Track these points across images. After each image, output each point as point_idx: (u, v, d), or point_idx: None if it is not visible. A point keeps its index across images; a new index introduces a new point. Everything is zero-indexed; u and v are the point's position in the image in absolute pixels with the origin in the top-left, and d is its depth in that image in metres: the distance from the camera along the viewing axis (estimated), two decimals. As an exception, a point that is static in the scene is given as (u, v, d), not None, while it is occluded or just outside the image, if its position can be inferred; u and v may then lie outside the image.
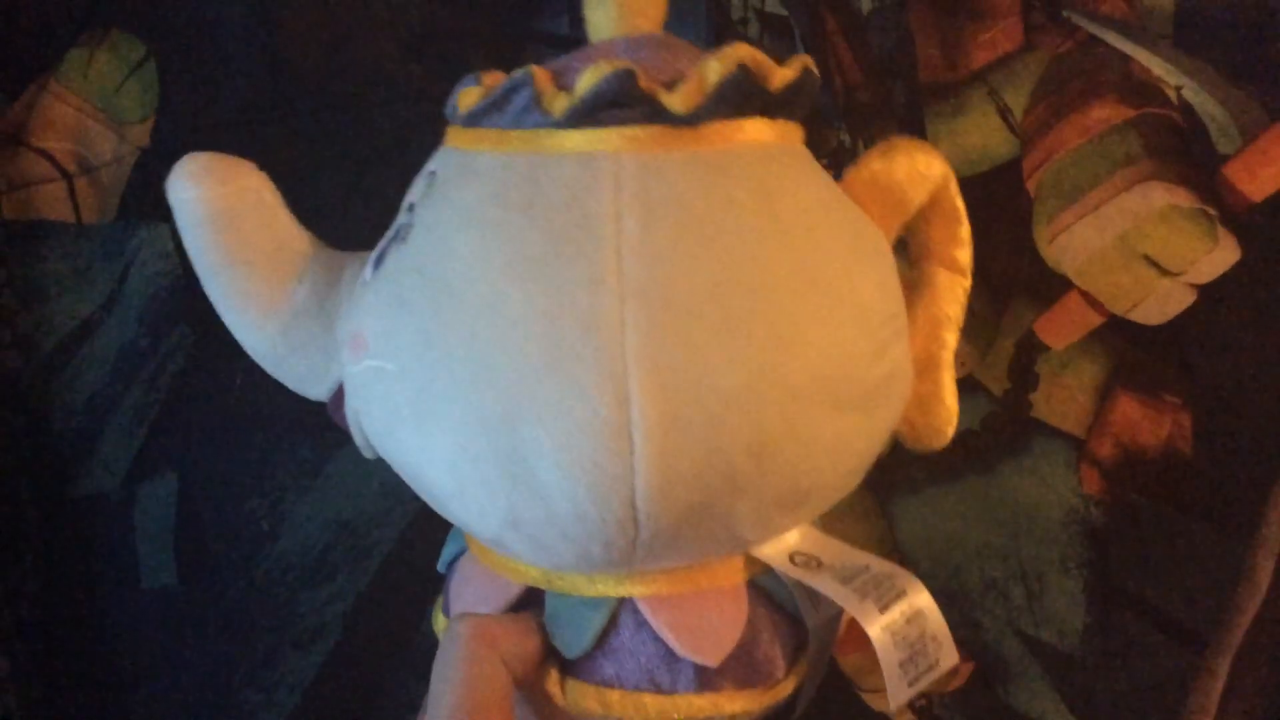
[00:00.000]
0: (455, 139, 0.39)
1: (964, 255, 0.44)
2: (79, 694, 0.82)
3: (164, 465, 0.80)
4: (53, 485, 0.81)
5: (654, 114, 0.35)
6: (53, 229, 0.82)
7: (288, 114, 0.79)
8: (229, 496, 0.79)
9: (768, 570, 0.40)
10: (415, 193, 0.40)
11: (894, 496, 0.74)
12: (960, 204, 0.44)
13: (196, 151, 0.41)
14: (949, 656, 0.39)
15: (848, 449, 0.36)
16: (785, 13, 0.82)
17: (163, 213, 0.73)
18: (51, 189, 0.82)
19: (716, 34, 0.79)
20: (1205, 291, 0.65)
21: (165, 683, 0.81)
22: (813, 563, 0.39)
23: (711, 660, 0.37)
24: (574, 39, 0.84)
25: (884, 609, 0.38)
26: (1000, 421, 0.73)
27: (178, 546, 0.80)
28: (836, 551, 0.40)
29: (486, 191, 0.35)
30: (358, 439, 0.41)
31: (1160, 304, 0.66)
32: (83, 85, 0.82)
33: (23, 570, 0.79)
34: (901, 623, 0.38)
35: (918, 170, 0.42)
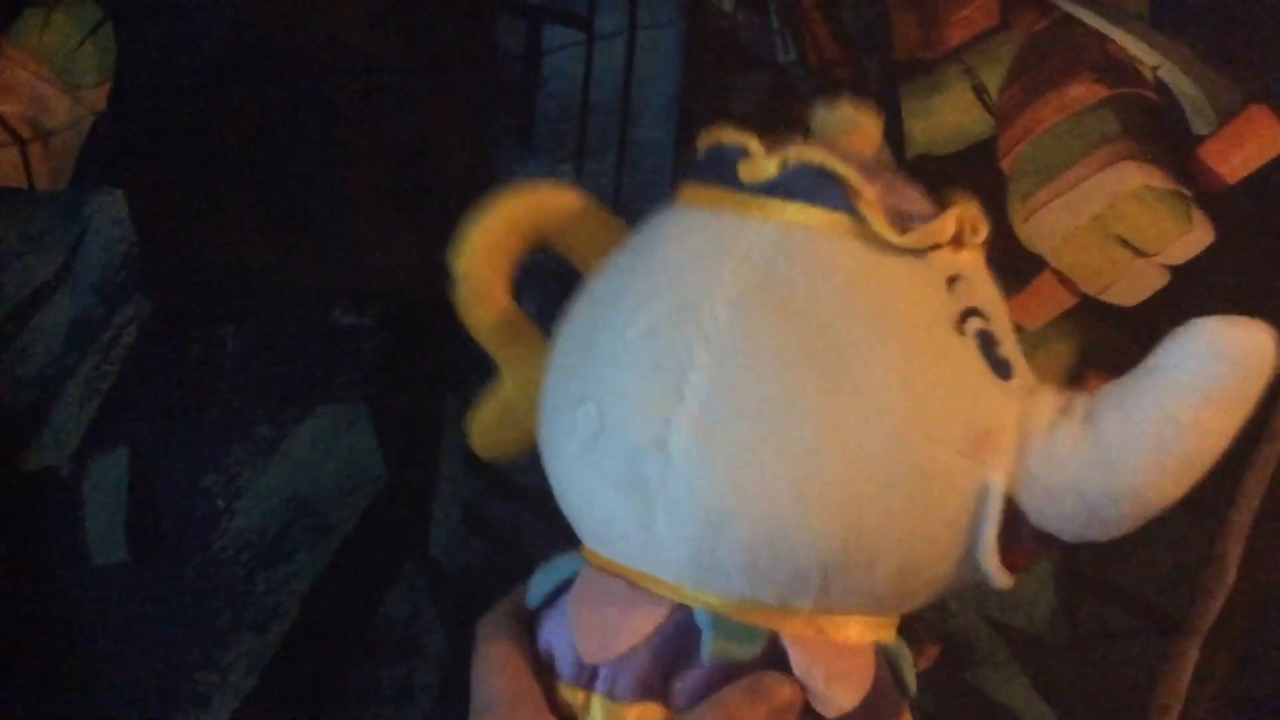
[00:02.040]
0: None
1: None
2: (27, 672, 0.80)
3: (116, 439, 0.79)
4: (1, 459, 0.80)
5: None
6: (4, 195, 0.81)
7: (249, 80, 0.78)
8: (184, 472, 0.78)
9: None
10: None
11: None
12: None
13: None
14: None
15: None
16: (761, -14, 0.81)
17: (118, 179, 0.71)
18: (4, 154, 0.80)
19: (690, 10, 0.79)
20: (1179, 273, 0.65)
21: (116, 662, 0.80)
22: None
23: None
24: (545, 8, 0.83)
25: None
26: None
27: (130, 523, 0.79)
28: None
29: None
30: None
31: (1134, 285, 0.66)
32: (37, 47, 0.80)
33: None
34: None
35: None
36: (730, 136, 0.40)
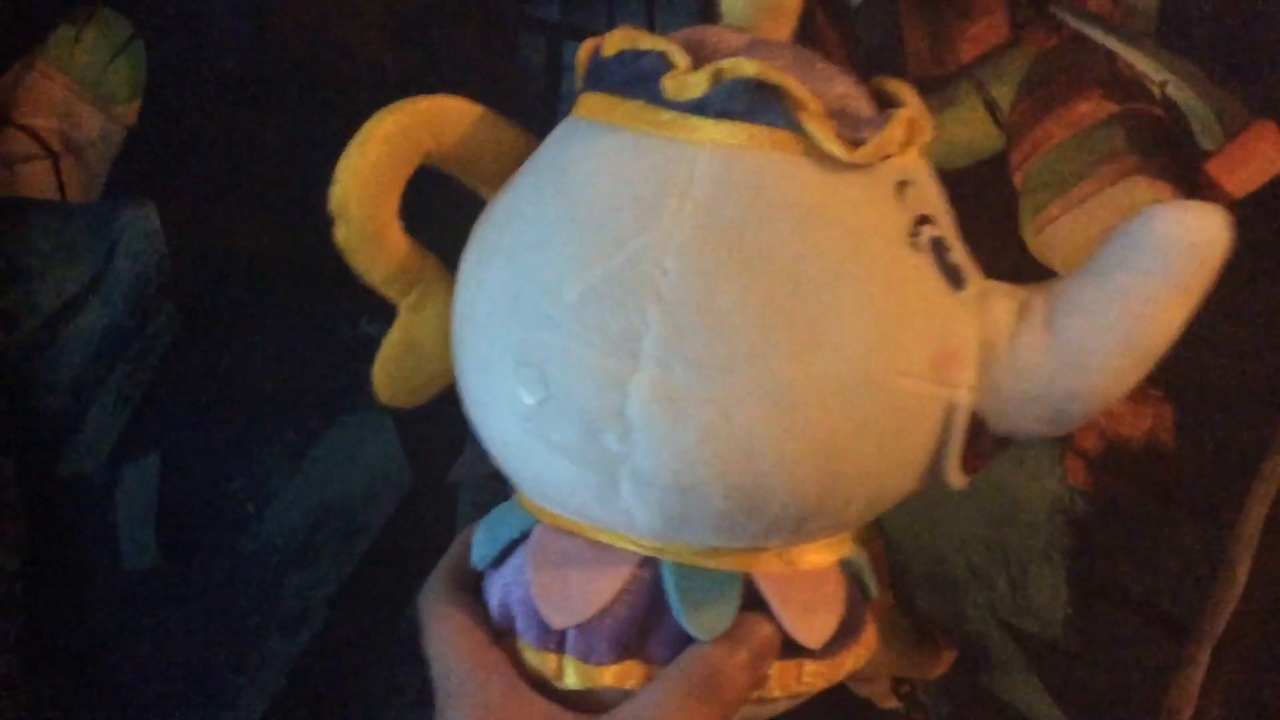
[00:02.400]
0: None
1: None
2: (59, 675, 0.81)
3: (148, 446, 0.80)
4: (35, 465, 0.80)
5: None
6: (37, 207, 0.81)
7: (276, 97, 0.79)
8: (214, 478, 0.78)
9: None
10: None
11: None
12: None
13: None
14: None
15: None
16: (775, 5, 0.82)
17: (149, 192, 0.72)
18: (36, 167, 0.81)
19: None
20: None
21: (147, 665, 0.80)
22: None
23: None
24: (565, 25, 0.84)
25: None
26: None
27: (160, 528, 0.79)
28: None
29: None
30: None
31: (1144, 297, 0.67)
32: (69, 63, 0.82)
33: (3, 549, 0.78)
34: None
35: None
36: (646, 42, 0.36)
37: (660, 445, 0.33)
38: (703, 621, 0.35)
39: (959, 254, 0.37)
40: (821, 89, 0.35)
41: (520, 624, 0.38)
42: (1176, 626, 0.67)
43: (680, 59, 0.35)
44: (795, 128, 0.34)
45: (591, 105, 0.37)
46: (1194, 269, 0.34)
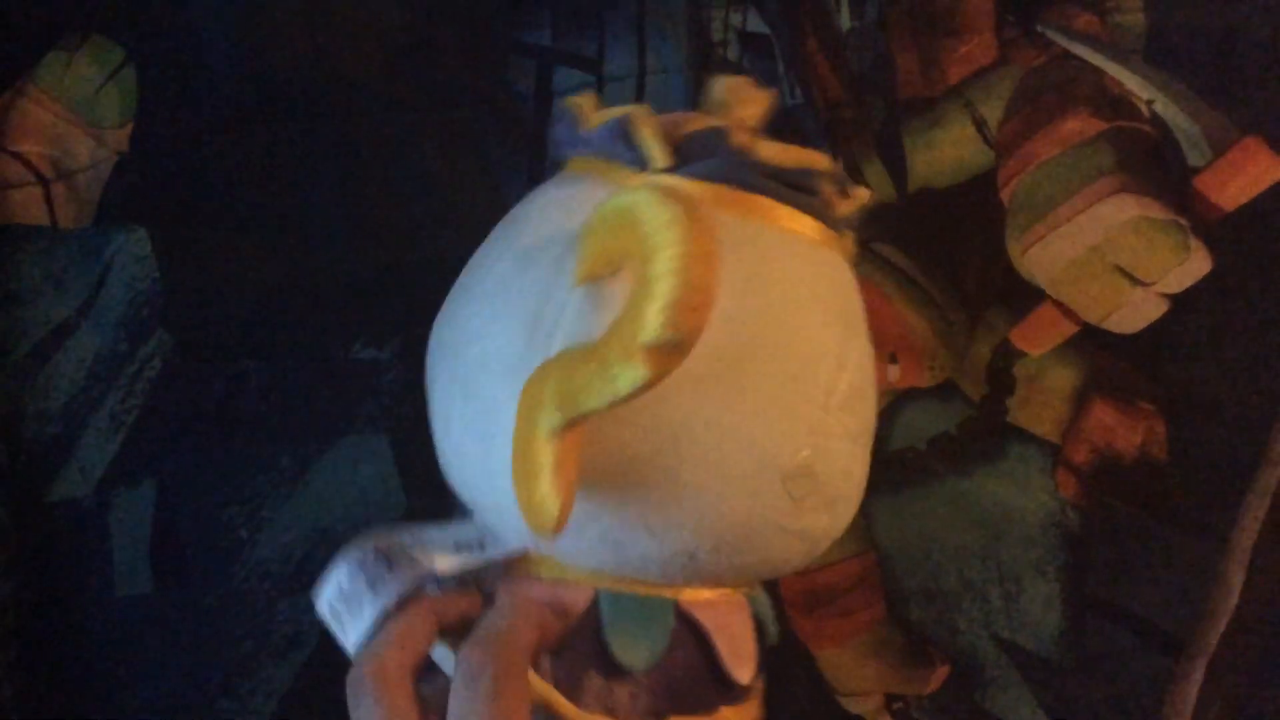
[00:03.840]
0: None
1: None
2: (52, 702, 0.80)
3: (141, 472, 0.79)
4: (27, 490, 0.80)
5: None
6: (28, 233, 0.81)
7: (268, 122, 0.79)
8: (207, 504, 0.78)
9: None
10: None
11: (872, 495, 0.75)
12: None
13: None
14: None
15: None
16: (766, 31, 0.83)
17: (140, 217, 0.72)
18: (27, 193, 0.81)
19: (697, 56, 0.80)
20: (1178, 301, 0.66)
21: (140, 690, 0.80)
22: None
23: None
24: (556, 50, 0.85)
25: None
26: (977, 426, 0.74)
27: (154, 554, 0.79)
28: None
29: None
30: None
31: (1134, 313, 0.67)
32: (60, 89, 0.81)
33: (-5, 577, 0.78)
34: None
35: None
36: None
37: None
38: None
39: None
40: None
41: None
42: (1170, 641, 0.67)
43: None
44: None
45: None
46: None
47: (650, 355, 0.29)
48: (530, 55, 0.81)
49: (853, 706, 0.77)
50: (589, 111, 0.40)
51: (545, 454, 0.31)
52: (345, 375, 0.76)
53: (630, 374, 0.29)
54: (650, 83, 0.79)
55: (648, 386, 0.30)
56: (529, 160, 0.80)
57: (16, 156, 0.81)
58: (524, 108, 0.82)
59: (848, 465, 0.38)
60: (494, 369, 0.36)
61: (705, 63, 0.76)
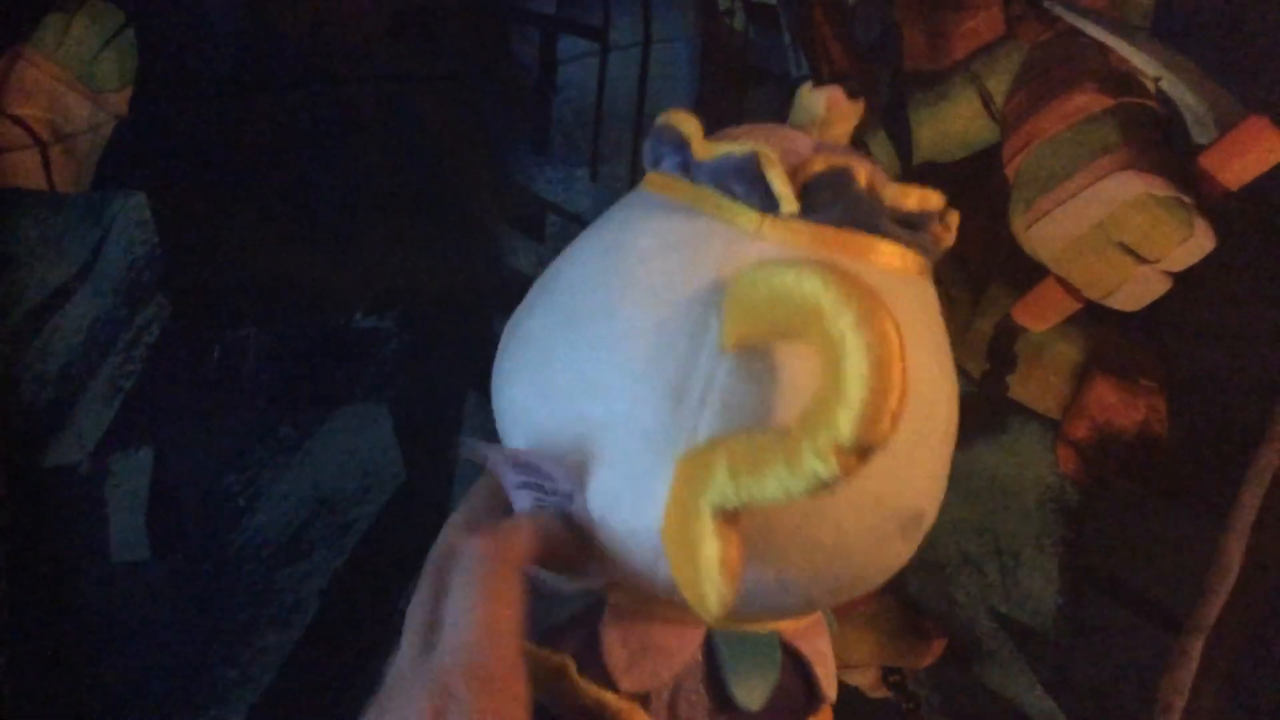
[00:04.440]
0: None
1: None
2: (48, 669, 0.80)
3: (139, 438, 0.79)
4: (23, 456, 0.80)
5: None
6: (25, 197, 0.80)
7: (269, 88, 0.79)
8: (205, 471, 0.78)
9: None
10: None
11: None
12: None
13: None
14: None
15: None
16: (772, 1, 0.83)
17: (140, 182, 0.71)
18: (24, 156, 0.80)
19: (703, 25, 0.80)
20: (1181, 278, 0.66)
21: (138, 659, 0.80)
22: None
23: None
24: (559, 18, 0.84)
25: None
26: (977, 402, 0.74)
27: (151, 521, 0.79)
28: None
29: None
30: None
31: (1136, 291, 0.67)
32: (59, 52, 0.80)
33: (-9, 542, 0.77)
34: None
35: None
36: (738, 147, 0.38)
37: None
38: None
39: None
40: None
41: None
42: (1169, 617, 0.67)
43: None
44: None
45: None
46: None
47: (842, 456, 0.29)
48: (533, 23, 0.81)
49: (849, 678, 0.77)
50: (697, 135, 0.39)
51: (709, 533, 0.32)
52: (345, 344, 0.76)
53: (819, 472, 0.30)
54: (656, 52, 0.78)
55: (834, 485, 0.30)
56: (532, 130, 0.80)
57: (15, 120, 0.80)
58: (527, 76, 0.81)
59: (940, 495, 0.39)
60: (632, 431, 0.35)
61: (711, 32, 0.75)
